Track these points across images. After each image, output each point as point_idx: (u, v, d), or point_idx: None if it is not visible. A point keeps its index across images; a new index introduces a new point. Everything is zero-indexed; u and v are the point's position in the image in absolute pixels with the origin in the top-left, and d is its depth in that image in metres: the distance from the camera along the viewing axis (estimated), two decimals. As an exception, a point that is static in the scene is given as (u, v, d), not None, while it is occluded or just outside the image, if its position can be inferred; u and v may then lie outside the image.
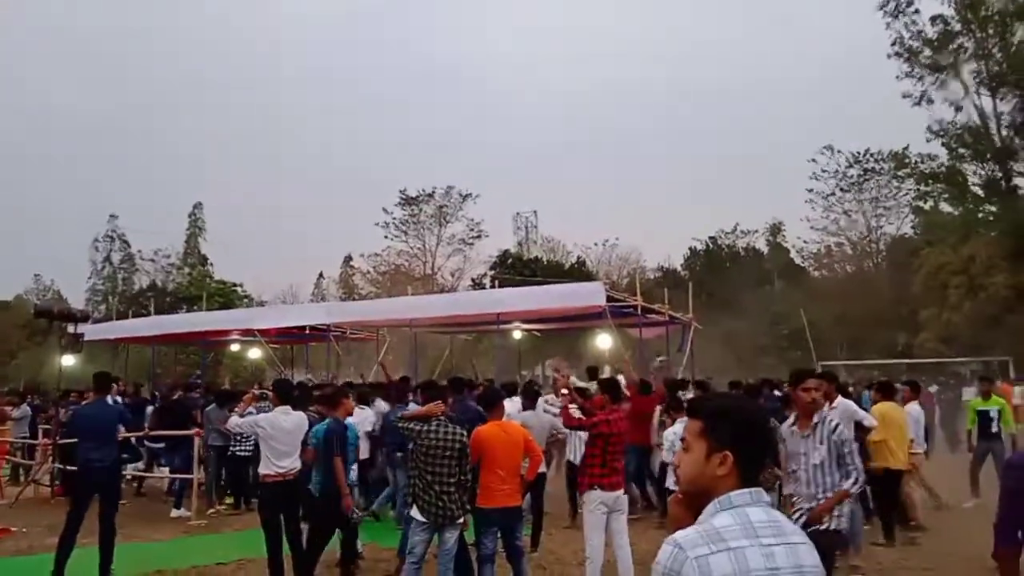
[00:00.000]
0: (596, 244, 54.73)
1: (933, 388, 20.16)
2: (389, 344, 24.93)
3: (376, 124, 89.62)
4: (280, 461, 6.65)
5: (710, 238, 54.35)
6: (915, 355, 31.28)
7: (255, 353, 24.57)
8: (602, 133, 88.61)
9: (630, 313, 15.97)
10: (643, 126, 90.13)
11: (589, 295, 14.57)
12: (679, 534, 1.75)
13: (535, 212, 56.15)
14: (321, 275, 63.76)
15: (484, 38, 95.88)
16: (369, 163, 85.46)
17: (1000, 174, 36.05)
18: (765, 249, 54.07)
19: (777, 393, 12.06)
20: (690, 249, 54.77)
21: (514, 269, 42.04)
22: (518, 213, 56.28)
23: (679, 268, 53.37)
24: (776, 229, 53.87)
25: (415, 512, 5.84)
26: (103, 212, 59.40)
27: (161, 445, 12.25)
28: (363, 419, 9.58)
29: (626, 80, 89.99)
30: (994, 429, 11.18)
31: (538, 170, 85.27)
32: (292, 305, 39.50)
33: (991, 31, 33.47)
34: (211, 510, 11.05)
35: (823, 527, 4.87)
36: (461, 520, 5.93)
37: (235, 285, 46.45)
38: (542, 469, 8.21)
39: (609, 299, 14.57)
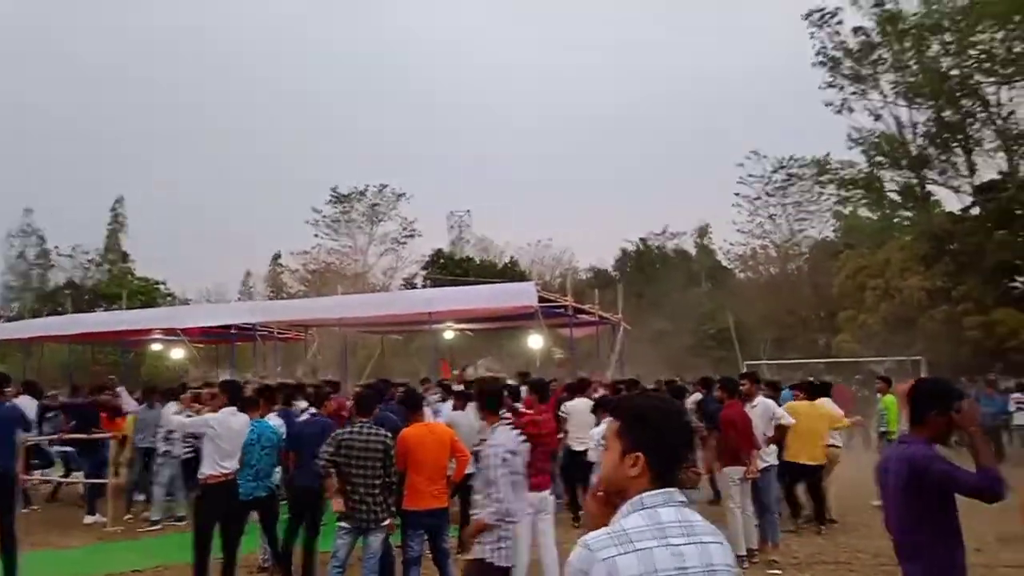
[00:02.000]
0: (529, 244, 55.06)
1: (853, 387, 20.94)
2: (318, 344, 24.59)
3: (307, 121, 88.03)
4: (225, 462, 6.59)
5: (640, 239, 55.33)
6: (834, 354, 32.39)
7: (178, 353, 23.84)
8: (536, 134, 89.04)
9: (561, 313, 16.10)
10: (576, 127, 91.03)
11: (521, 295, 14.62)
12: (589, 536, 1.77)
13: (468, 212, 56.18)
14: (248, 273, 62.36)
15: (419, 33, 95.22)
16: (299, 160, 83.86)
17: (915, 181, 37.73)
18: (693, 251, 55.31)
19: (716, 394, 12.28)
20: (621, 250, 55.67)
21: (446, 269, 41.93)
22: (451, 212, 56.22)
23: (610, 269, 54.15)
24: (704, 231, 55.18)
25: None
26: (16, 207, 56.47)
27: (71, 449, 11.74)
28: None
29: (560, 81, 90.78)
30: (882, 428, 11.70)
31: (472, 170, 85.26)
32: (217, 304, 38.48)
33: (908, 44, 34.94)
34: (128, 515, 10.67)
35: (470, 556, 4.84)
36: (387, 523, 5.88)
37: (158, 283, 45.04)
38: (471, 469, 8.21)
39: (541, 299, 14.64)
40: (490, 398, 5.24)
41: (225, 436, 6.62)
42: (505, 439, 4.94)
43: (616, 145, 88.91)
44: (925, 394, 3.43)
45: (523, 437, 5.13)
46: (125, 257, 53.93)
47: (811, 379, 11.90)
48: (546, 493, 6.33)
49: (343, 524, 5.79)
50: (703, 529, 1.84)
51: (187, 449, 10.39)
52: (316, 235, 54.25)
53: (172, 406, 9.91)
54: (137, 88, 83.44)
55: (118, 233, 55.39)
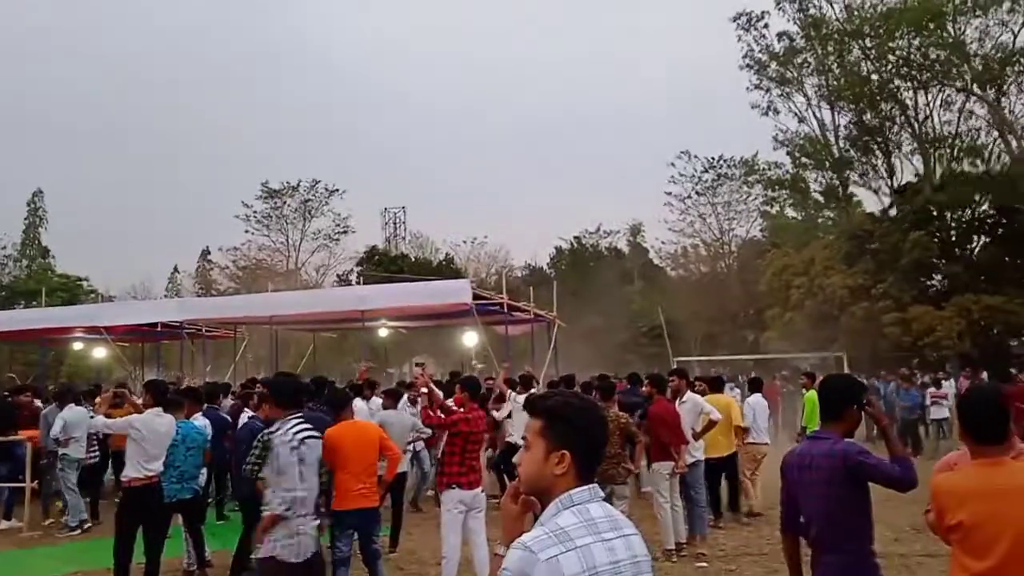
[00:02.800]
0: (465, 242, 54.99)
1: (777, 381, 21.50)
2: (248, 342, 24.06)
3: (238, 113, 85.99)
4: (149, 464, 6.40)
5: (575, 238, 55.85)
6: (761, 351, 33.29)
7: (101, 352, 23.02)
8: (472, 132, 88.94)
9: (496, 311, 16.14)
10: (511, 125, 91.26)
11: (456, 293, 14.64)
12: (527, 537, 1.76)
13: (403, 208, 55.73)
14: (176, 269, 60.59)
15: (358, 30, 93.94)
16: (228, 153, 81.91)
17: (837, 182, 39.10)
18: (626, 249, 56.11)
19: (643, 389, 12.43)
20: (556, 248, 56.10)
21: (381, 266, 41.53)
22: (386, 209, 55.66)
23: (545, 267, 54.53)
24: (636, 230, 56.04)
25: None
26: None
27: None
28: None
29: (497, 81, 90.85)
30: (803, 422, 12.10)
31: (408, 166, 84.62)
32: (143, 300, 37.28)
33: (830, 49, 36.13)
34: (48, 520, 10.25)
35: (260, 554, 4.86)
36: (317, 523, 5.78)
37: (80, 279, 43.38)
38: (403, 468, 8.17)
39: (476, 297, 14.68)
40: (276, 392, 5.19)
41: (150, 438, 6.43)
42: (295, 429, 4.90)
43: (551, 143, 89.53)
44: (837, 391, 3.54)
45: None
46: (45, 253, 51.72)
47: (715, 373, 12.22)
48: (478, 490, 6.33)
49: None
50: (624, 523, 1.89)
51: (92, 452, 10.04)
52: (247, 231, 53.15)
53: (72, 409, 9.64)
54: (60, 79, 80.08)
55: (37, 228, 53.02)
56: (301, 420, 5.09)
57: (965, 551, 2.78)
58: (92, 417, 8.78)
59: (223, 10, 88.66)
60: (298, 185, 53.40)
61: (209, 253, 57.77)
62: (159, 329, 18.05)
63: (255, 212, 53.25)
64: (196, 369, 22.59)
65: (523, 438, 1.99)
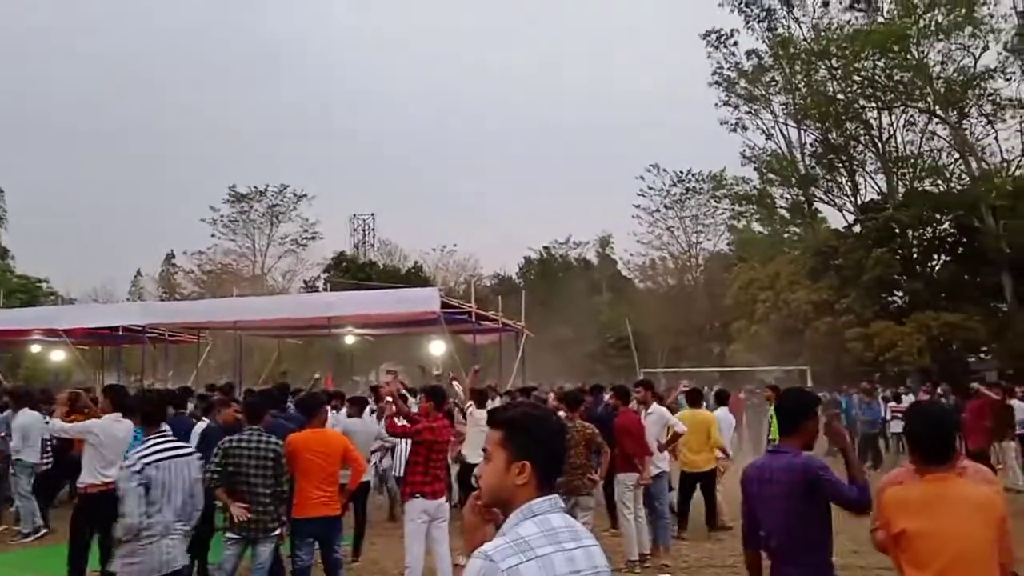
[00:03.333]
0: (434, 250, 54.80)
1: (742, 395, 21.66)
2: (212, 347, 23.72)
3: (209, 115, 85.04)
4: (107, 470, 6.25)
5: (544, 248, 56.01)
6: (727, 363, 33.63)
7: (59, 355, 22.53)
8: (444, 142, 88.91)
9: (465, 320, 16.11)
10: (483, 135, 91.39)
11: (424, 301, 14.55)
12: (488, 546, 1.76)
13: (372, 215, 55.45)
14: (139, 272, 59.54)
15: (331, 30, 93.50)
16: (196, 156, 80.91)
17: (803, 199, 39.74)
18: (595, 260, 56.39)
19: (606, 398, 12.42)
20: (525, 258, 56.19)
21: (349, 272, 41.26)
22: (355, 215, 55.33)
23: (514, 276, 54.56)
24: (605, 242, 56.38)
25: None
26: None
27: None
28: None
29: (469, 89, 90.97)
30: (770, 435, 12.21)
31: (378, 173, 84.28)
32: (104, 304, 36.61)
33: (798, 68, 36.76)
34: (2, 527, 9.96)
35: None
36: (276, 532, 5.71)
37: (40, 281, 42.46)
38: (367, 477, 8.08)
39: (444, 305, 14.60)
40: (144, 413, 5.06)
41: (108, 444, 6.31)
42: (143, 452, 4.59)
43: (523, 153, 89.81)
44: (792, 405, 3.58)
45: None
46: (4, 253, 50.53)
47: (695, 387, 12.15)
48: (441, 500, 6.28)
49: (230, 535, 5.58)
50: (584, 533, 1.90)
51: (45, 458, 9.75)
52: (213, 235, 52.47)
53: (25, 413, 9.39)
54: (31, 77, 78.55)
55: (-2, 228, 51.78)
56: (160, 440, 4.78)
57: (908, 561, 2.84)
58: (47, 422, 8.60)
59: (220, 10, 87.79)
60: (266, 190, 52.93)
61: (174, 257, 56.91)
62: (120, 333, 17.75)
63: (222, 216, 52.65)
64: (158, 374, 22.22)
65: (483, 449, 1.99)
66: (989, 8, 32.39)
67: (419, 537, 6.09)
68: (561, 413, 8.41)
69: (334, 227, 76.92)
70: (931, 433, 2.96)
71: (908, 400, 17.53)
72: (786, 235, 40.50)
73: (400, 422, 6.41)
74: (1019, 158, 33.29)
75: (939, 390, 17.73)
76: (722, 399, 11.20)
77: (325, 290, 40.71)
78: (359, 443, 6.77)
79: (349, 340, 20.90)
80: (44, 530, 9.45)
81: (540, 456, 1.88)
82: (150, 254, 78.93)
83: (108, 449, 6.30)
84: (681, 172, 49.49)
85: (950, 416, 3.13)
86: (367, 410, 8.85)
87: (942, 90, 32.71)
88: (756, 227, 43.02)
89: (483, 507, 1.94)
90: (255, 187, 52.86)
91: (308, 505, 5.73)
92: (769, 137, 39.94)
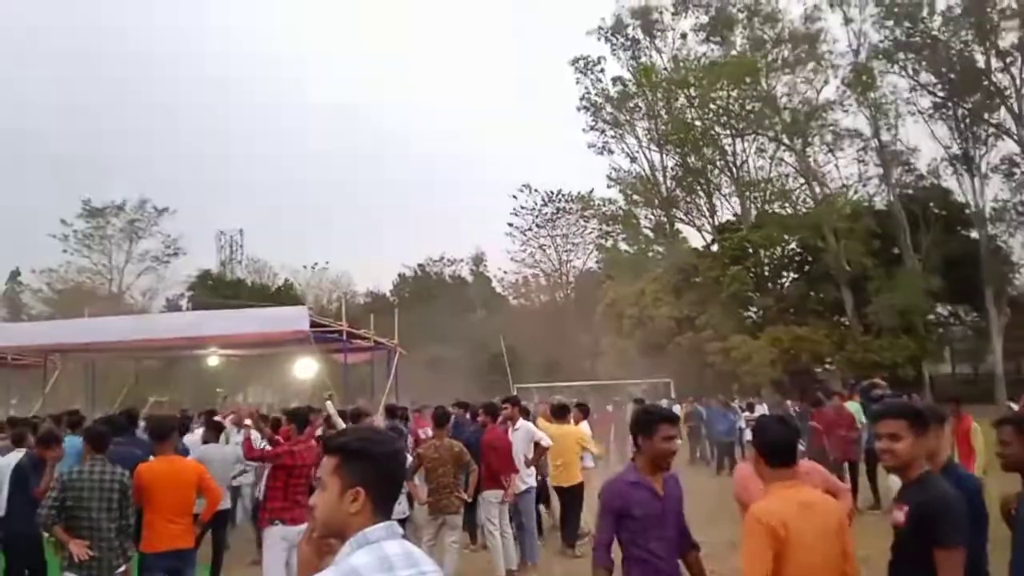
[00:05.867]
0: (305, 267, 53.49)
1: (610, 407, 22.29)
2: (61, 371, 22.14)
3: (53, 120, 79.47)
4: None
5: (419, 265, 55.84)
6: (598, 377, 34.53)
7: None
8: (317, 154, 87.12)
9: (335, 339, 15.81)
10: (357, 151, 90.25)
11: (292, 320, 14.21)
12: None
13: (240, 231, 53.53)
14: (-20, 292, 54.76)
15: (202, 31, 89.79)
16: (44, 166, 75.37)
17: (665, 219, 41.61)
18: (470, 278, 56.70)
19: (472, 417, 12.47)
20: (399, 275, 55.81)
21: (216, 291, 39.58)
22: (221, 232, 53.23)
23: (388, 294, 54.05)
24: (479, 259, 56.86)
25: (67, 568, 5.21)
26: None
27: None
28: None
29: (341, 101, 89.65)
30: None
31: (246, 188, 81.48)
32: (-65, 326, 33.39)
33: (659, 95, 38.59)
34: None
35: None
36: (122, 569, 5.40)
37: None
38: (224, 505, 7.78)
39: (313, 324, 14.30)
40: None
41: None
42: None
43: (396, 171, 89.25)
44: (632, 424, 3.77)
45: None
46: None
47: (562, 402, 12.24)
48: (304, 526, 6.14)
49: (69, 574, 5.23)
50: (422, 559, 1.88)
51: None
52: (65, 251, 48.94)
53: None
54: None
55: None
56: None
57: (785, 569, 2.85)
58: None
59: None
60: (124, 204, 50.00)
61: (19, 275, 52.70)
62: (-45, 357, 16.31)
63: (75, 231, 49.21)
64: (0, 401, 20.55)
65: (317, 478, 1.96)
66: (829, 45, 35.25)
67: (278, 566, 5.92)
68: (428, 431, 8.45)
69: (199, 244, 73.72)
70: (780, 438, 3.09)
71: (760, 409, 18.59)
72: (650, 254, 42.20)
73: (259, 446, 6.24)
74: (856, 184, 36.28)
75: (787, 402, 18.90)
76: (583, 413, 11.33)
77: (189, 309, 38.87)
78: (215, 471, 6.51)
79: (213, 361, 20.07)
80: None
81: (375, 482, 1.84)
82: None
83: None
84: (551, 192, 50.74)
85: (788, 423, 3.29)
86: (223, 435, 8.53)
87: (788, 120, 35.22)
88: (623, 246, 44.58)
89: (318, 538, 1.89)
90: (112, 201, 49.88)
91: (159, 538, 5.45)
92: (634, 160, 41.67)
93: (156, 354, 21.04)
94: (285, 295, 43.08)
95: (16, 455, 7.11)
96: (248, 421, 6.31)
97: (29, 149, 74.44)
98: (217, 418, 9.23)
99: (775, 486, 3.00)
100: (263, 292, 42.19)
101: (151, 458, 5.92)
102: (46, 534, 5.62)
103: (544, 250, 51.77)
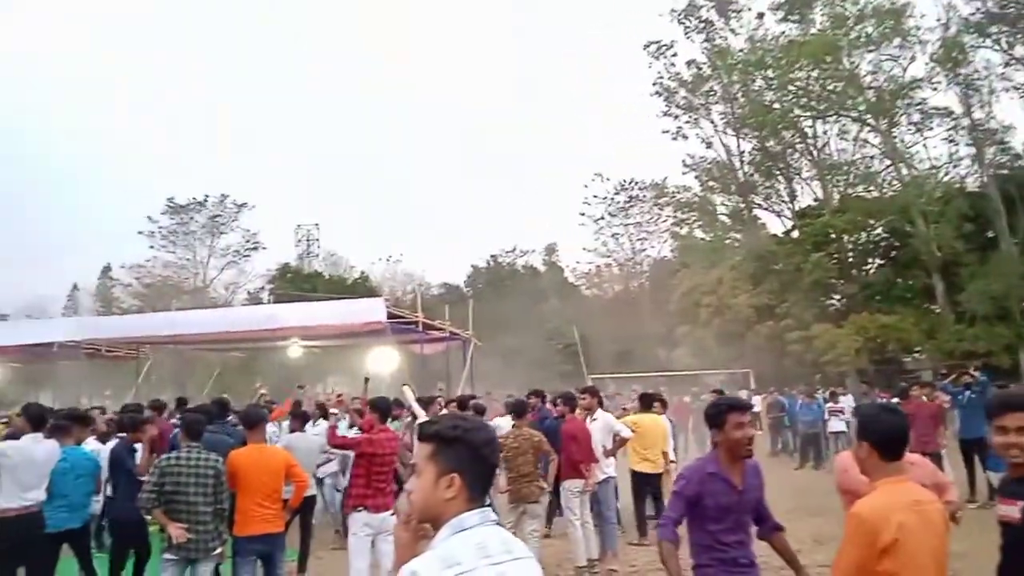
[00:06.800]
0: (380, 260, 54.46)
1: (687, 398, 22.00)
2: (152, 363, 23.11)
3: (142, 124, 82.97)
4: (26, 494, 5.96)
5: (491, 256, 56.14)
6: (673, 368, 34.12)
7: (-10, 373, 21.68)
8: (388, 149, 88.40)
9: (412, 330, 16.01)
10: (428, 144, 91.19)
11: (369, 311, 14.42)
12: (415, 562, 1.75)
13: (317, 225, 54.82)
14: (75, 287, 57.69)
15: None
16: (131, 166, 78.80)
17: (743, 205, 40.65)
18: (542, 268, 56.75)
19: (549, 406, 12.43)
20: (472, 267, 56.24)
21: (293, 284, 40.65)
22: (299, 225, 54.65)
23: (462, 285, 54.54)
24: (552, 250, 56.81)
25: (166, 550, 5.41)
26: None
27: None
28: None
29: (415, 98, 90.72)
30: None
31: (323, 182, 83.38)
32: (37, 320, 35.35)
33: (735, 78, 37.63)
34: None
35: None
36: (218, 551, 5.58)
37: (-34, 297, 40.86)
38: (311, 491, 7.97)
39: (390, 315, 14.52)
40: None
41: (23, 466, 5.97)
42: None
43: (470, 161, 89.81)
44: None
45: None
46: (-71, 269, 48.53)
47: (647, 391, 12.14)
48: (387, 514, 6.22)
49: (169, 556, 5.43)
50: (517, 546, 1.89)
51: None
52: (151, 247, 51.20)
53: None
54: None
55: (-79, 243, 49.79)
56: None
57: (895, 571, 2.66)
58: None
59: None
60: (205, 200, 51.88)
61: (111, 270, 55.36)
62: (55, 350, 17.16)
63: (160, 228, 51.43)
64: (96, 391, 21.56)
65: (412, 464, 1.98)
66: (916, 20, 33.67)
67: (363, 551, 6.02)
68: (508, 421, 8.46)
69: (278, 237, 75.88)
70: (893, 430, 2.91)
71: (845, 400, 18.02)
72: (727, 241, 41.35)
73: (342, 433, 6.34)
74: (946, 164, 34.61)
75: (875, 393, 18.26)
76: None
77: (269, 302, 40.03)
78: (301, 458, 6.66)
79: (294, 352, 20.58)
80: None
81: (470, 468, 1.86)
82: (86, 268, 76.55)
83: (23, 471, 6.00)
84: (625, 180, 50.24)
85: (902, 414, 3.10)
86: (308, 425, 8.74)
87: (873, 99, 33.82)
88: (698, 233, 43.82)
89: (414, 523, 1.91)
90: (194, 198, 51.86)
91: (250, 522, 5.62)
92: (709, 146, 40.80)
93: (239, 345, 21.68)
94: (361, 287, 43.87)
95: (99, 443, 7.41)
96: (335, 409, 6.42)
97: (115, 149, 77.96)
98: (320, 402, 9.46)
99: (884, 481, 2.81)
100: (340, 284, 43.03)
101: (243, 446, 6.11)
102: (148, 517, 5.86)
103: (617, 239, 51.41)
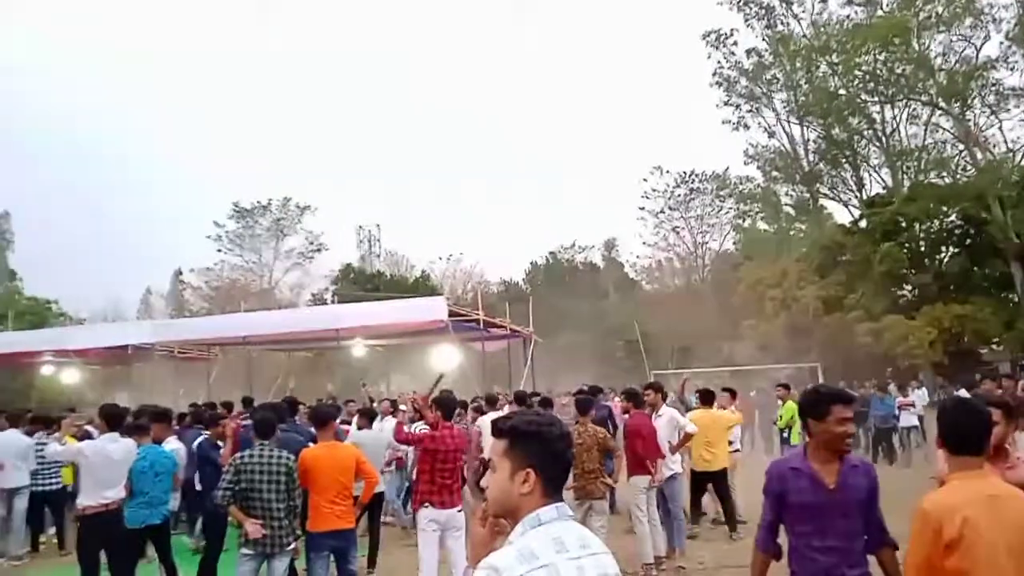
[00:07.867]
0: (440, 259, 54.96)
1: (753, 393, 21.58)
2: (222, 363, 23.79)
3: (207, 130, 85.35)
4: (105, 491, 6.23)
5: (550, 253, 56.06)
6: (737, 362, 33.52)
7: (71, 376, 22.61)
8: (446, 147, 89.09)
9: (473, 327, 16.12)
10: (485, 141, 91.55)
11: (431, 310, 14.59)
12: (493, 557, 1.75)
13: (378, 225, 55.65)
14: (148, 291, 59.87)
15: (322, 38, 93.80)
16: (200, 172, 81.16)
17: (808, 195, 39.68)
18: (601, 264, 56.43)
19: (607, 403, 12.37)
20: (531, 264, 56.26)
21: (356, 284, 41.33)
22: (360, 226, 55.55)
23: (521, 282, 54.62)
24: (611, 245, 56.45)
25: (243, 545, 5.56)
26: None
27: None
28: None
29: (469, 96, 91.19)
30: (785, 434, 12.12)
31: (382, 183, 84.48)
32: (113, 323, 36.75)
33: (798, 64, 36.73)
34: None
35: None
36: (292, 547, 5.71)
37: (49, 302, 42.65)
38: (380, 488, 8.09)
39: (451, 313, 14.66)
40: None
41: (101, 465, 6.22)
42: None
43: (525, 157, 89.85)
44: (803, 405, 3.47)
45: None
46: (12, 276, 50.81)
47: (707, 388, 11.89)
48: (454, 510, 6.26)
49: (246, 551, 5.57)
50: (594, 541, 1.89)
51: (54, 480, 9.57)
52: (219, 250, 52.78)
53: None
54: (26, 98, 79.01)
55: (3, 251, 52.17)
56: None
57: (964, 568, 2.57)
58: (43, 444, 8.63)
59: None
60: (269, 204, 53.18)
61: (182, 274, 57.26)
62: (130, 352, 17.81)
63: (227, 232, 52.95)
64: (168, 391, 22.29)
65: (488, 459, 1.98)
66: (989, -3, 32.32)
67: (431, 546, 6.07)
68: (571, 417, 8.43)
69: (340, 239, 77.19)
70: (970, 424, 2.80)
71: (917, 395, 17.44)
72: (792, 232, 40.48)
73: (409, 429, 6.41)
74: (1024, 148, 33.15)
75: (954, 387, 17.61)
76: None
77: (333, 302, 40.79)
78: (369, 455, 6.76)
79: (358, 351, 20.93)
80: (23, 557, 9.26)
81: (544, 464, 1.87)
82: (158, 272, 79.26)
83: (101, 470, 6.22)
84: (684, 173, 49.58)
85: (983, 408, 2.95)
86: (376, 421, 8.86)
87: (944, 82, 32.62)
88: (762, 225, 43.05)
89: (491, 518, 1.92)
90: (258, 202, 53.20)
91: (322, 519, 5.74)
92: (772, 135, 39.97)
93: (305, 345, 22.16)
94: (422, 286, 44.34)
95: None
96: (404, 407, 6.49)
97: (183, 157, 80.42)
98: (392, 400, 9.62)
99: (955, 476, 2.75)
100: (401, 284, 43.56)
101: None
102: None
103: (678, 232, 50.79)
